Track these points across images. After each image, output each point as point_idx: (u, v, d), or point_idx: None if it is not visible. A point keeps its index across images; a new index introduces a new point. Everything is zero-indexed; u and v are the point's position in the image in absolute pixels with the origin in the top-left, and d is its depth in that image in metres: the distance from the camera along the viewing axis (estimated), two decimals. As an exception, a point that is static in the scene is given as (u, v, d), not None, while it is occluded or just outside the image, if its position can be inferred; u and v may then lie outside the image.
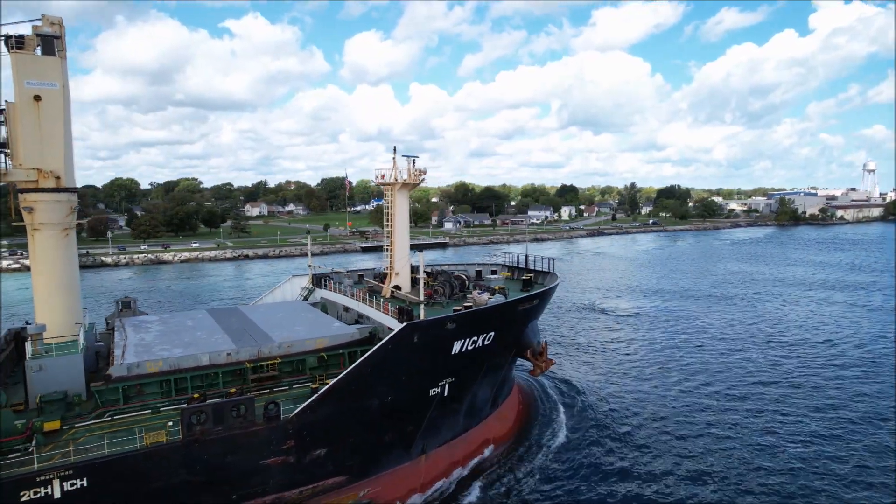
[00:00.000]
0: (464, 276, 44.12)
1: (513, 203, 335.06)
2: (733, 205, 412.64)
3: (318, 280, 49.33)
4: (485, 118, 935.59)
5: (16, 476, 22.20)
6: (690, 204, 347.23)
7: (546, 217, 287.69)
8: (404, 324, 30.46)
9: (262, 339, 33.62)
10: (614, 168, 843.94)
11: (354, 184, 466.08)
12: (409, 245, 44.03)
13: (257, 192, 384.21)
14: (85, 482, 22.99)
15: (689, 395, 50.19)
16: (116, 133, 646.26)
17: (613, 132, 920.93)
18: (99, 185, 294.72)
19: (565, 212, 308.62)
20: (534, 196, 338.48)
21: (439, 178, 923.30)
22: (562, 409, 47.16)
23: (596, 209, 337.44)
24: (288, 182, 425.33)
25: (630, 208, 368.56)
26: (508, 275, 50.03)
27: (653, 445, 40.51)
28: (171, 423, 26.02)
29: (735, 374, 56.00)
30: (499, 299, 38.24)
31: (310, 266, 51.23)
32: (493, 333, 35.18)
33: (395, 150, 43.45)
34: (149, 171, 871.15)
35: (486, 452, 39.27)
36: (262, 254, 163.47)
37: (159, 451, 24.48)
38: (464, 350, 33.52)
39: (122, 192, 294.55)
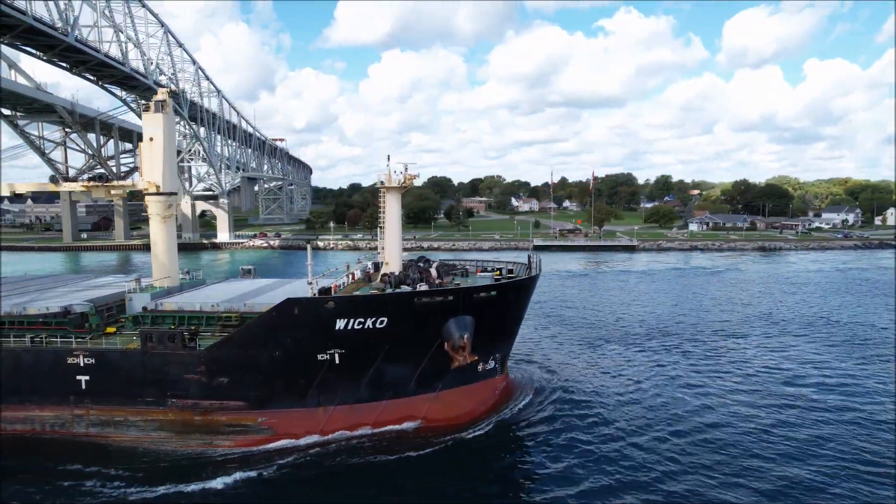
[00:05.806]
0: (430, 271, 49.40)
1: (820, 203, 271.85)
2: None
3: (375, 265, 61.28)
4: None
5: (68, 349, 41.64)
6: None
7: (844, 221, 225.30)
8: (285, 298, 40.21)
9: (244, 300, 47.57)
10: None
11: (652, 181, 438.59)
12: (400, 240, 51.86)
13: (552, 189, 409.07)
14: (93, 360, 41.09)
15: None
16: (502, 135, 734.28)
17: None
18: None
19: (890, 215, 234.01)
20: (853, 194, 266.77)
21: (842, 169, 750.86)
22: (539, 417, 46.84)
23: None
24: (607, 176, 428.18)
25: None
26: (497, 273, 52.04)
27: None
28: (135, 338, 42.43)
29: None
30: (404, 290, 43.61)
31: (378, 252, 64.02)
32: (385, 319, 41.16)
33: (388, 158, 52.02)
34: (527, 168, 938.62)
35: (407, 426, 44.73)
36: (437, 246, 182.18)
37: (127, 353, 41.08)
38: (350, 328, 40.80)
39: (435, 188, 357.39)
